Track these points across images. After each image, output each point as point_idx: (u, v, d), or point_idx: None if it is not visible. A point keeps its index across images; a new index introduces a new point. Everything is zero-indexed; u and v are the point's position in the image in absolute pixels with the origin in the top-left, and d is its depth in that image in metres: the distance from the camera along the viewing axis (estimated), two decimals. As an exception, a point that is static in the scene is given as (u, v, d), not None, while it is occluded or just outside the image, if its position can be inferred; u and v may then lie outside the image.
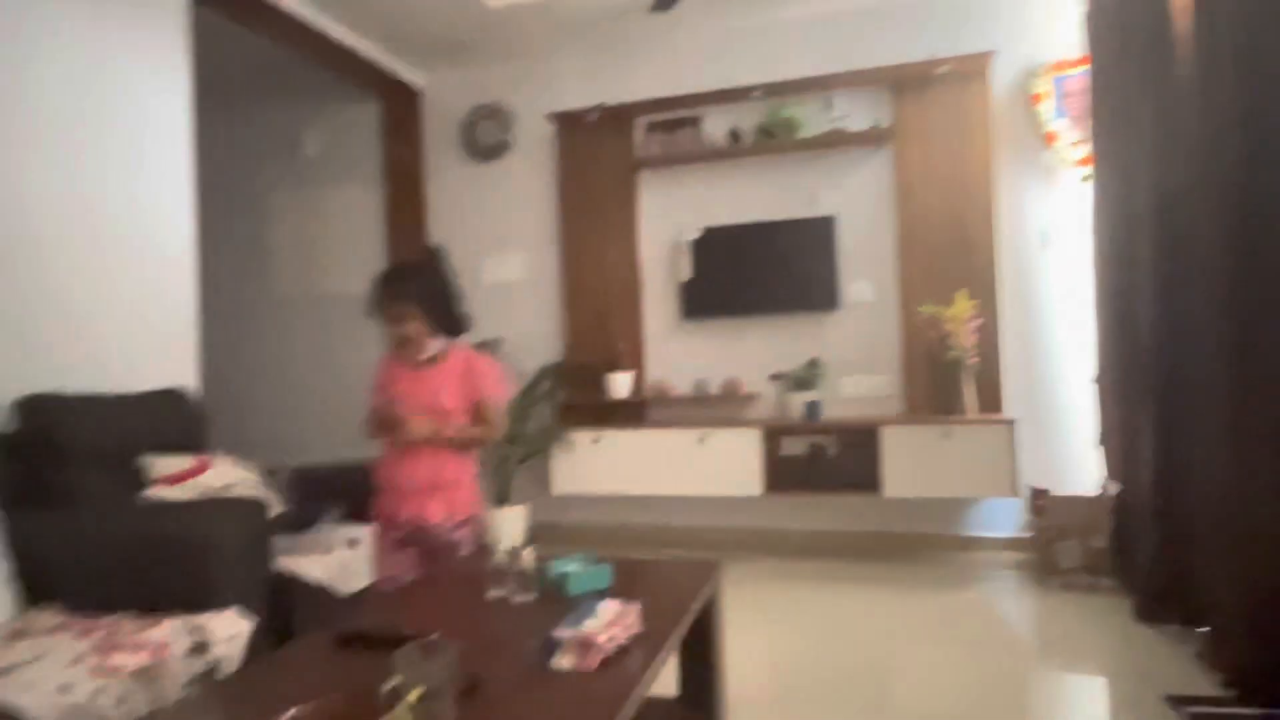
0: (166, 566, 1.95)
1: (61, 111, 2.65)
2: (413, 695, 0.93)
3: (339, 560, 2.35)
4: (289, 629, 2.07)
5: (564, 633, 1.36)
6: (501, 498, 4.37)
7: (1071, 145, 3.73)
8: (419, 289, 2.12)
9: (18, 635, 1.71)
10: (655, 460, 4.03)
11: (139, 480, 2.44)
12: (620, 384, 4.22)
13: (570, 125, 4.46)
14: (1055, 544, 3.32)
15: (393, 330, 2.11)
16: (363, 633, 1.48)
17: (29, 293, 2.49)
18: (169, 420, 2.68)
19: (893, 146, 3.99)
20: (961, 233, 3.87)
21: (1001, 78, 3.87)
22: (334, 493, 2.74)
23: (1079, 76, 3.66)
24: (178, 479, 2.48)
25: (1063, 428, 3.78)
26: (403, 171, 4.78)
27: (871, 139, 3.99)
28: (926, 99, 3.93)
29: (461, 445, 2.17)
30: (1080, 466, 3.65)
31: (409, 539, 2.14)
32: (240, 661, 1.80)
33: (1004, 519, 3.86)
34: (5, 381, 2.34)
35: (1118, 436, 3.20)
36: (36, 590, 1.95)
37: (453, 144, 4.77)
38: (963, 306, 3.69)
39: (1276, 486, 1.98)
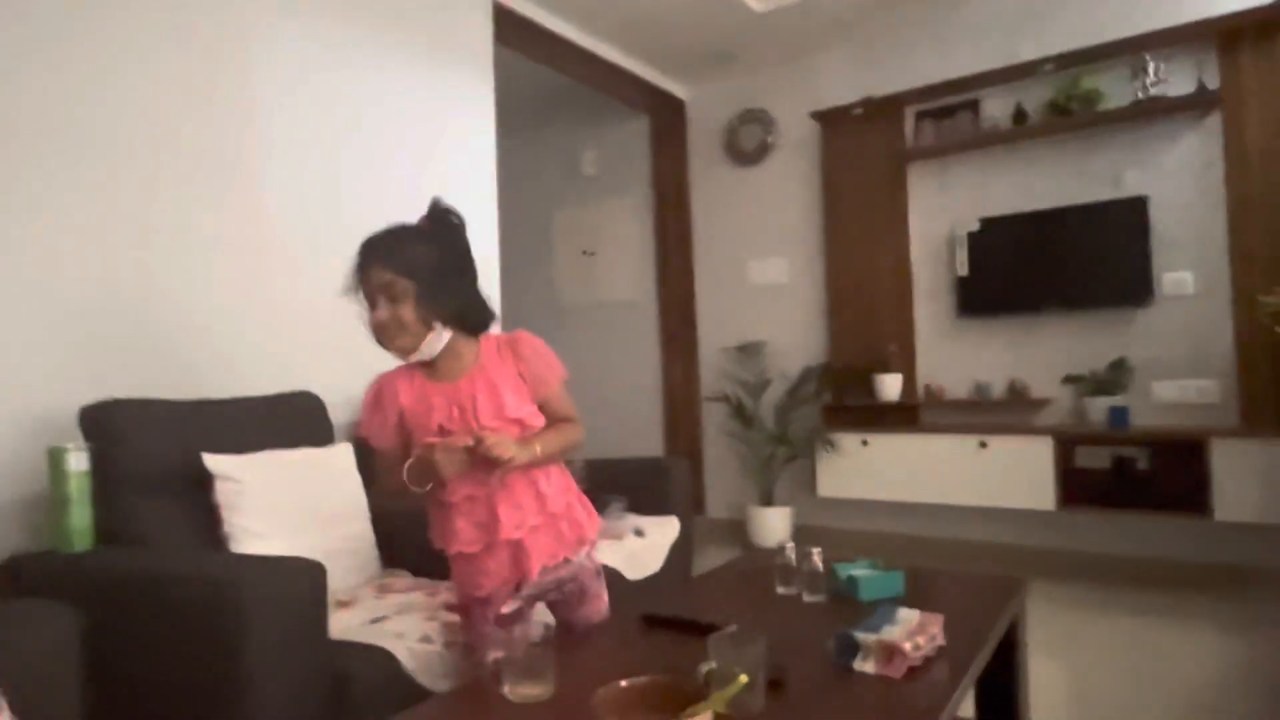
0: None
1: (399, 144, 3.11)
2: (741, 680, 0.98)
3: (629, 548, 2.52)
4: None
5: (865, 636, 1.35)
6: (765, 498, 4.41)
7: None
8: (415, 258, 1.49)
9: (383, 590, 2.05)
10: (929, 466, 3.82)
11: (461, 466, 2.80)
12: (890, 386, 4.06)
13: (834, 122, 4.38)
14: None
15: (372, 315, 1.49)
16: (667, 616, 1.58)
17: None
18: (482, 414, 3.05)
19: (1221, 113, 3.42)
20: (1321, 208, 3.22)
21: (1381, 15, 3.16)
22: (620, 486, 2.93)
23: None
24: (490, 466, 2.81)
25: None
26: (670, 181, 5.00)
27: (1194, 105, 3.45)
28: (1268, 52, 3.32)
29: (559, 458, 1.67)
30: None
31: (549, 597, 1.67)
32: (553, 632, 1.99)
33: (1386, 556, 3.15)
34: (347, 383, 2.81)
35: None
36: (387, 556, 2.31)
37: (716, 151, 4.90)
38: (1324, 296, 3.07)
39: None
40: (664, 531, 2.74)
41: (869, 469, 3.99)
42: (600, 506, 2.85)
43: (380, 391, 1.58)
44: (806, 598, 1.72)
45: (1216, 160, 3.46)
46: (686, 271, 4.97)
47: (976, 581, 1.86)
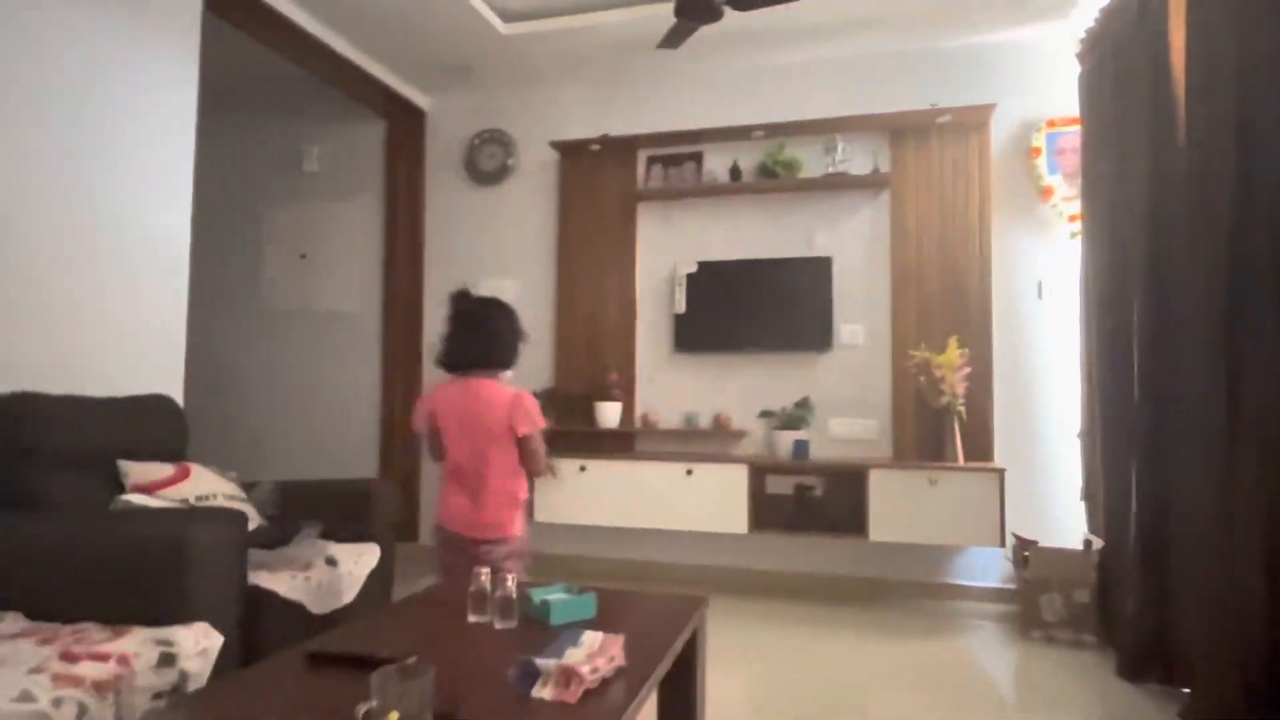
0: (135, 575, 1.89)
1: (63, 106, 2.63)
2: (391, 717, 0.90)
3: (317, 578, 2.29)
4: (261, 646, 2.01)
5: (545, 662, 1.33)
6: (483, 523, 4.31)
7: (1064, 201, 3.79)
8: None
9: (-22, 640, 1.65)
10: (641, 493, 3.99)
11: (116, 486, 2.39)
12: (609, 414, 4.20)
13: (573, 154, 4.50)
14: (1039, 596, 3.30)
15: None
16: (335, 653, 1.44)
17: (13, 289, 2.46)
18: (151, 427, 2.63)
19: (890, 192, 4.04)
20: (956, 280, 3.91)
21: (1001, 130, 3.93)
22: (317, 510, 2.69)
23: (1072, 135, 3.73)
24: (155, 486, 2.43)
25: (1051, 479, 3.78)
26: (404, 191, 4.79)
27: (870, 184, 4.04)
28: (926, 147, 3.99)
29: None
30: (1067, 519, 3.64)
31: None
32: (208, 678, 1.74)
33: (988, 569, 3.84)
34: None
35: (1103, 491, 3.20)
36: None
37: (454, 167, 4.79)
38: (953, 353, 3.71)
39: (1262, 545, 1.98)
40: (361, 560, 2.55)
41: (586, 494, 4.07)
42: (290, 532, 2.60)
43: None
44: (498, 624, 1.68)
45: (884, 233, 4.07)
46: (416, 286, 4.77)
47: (662, 602, 1.94)
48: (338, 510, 2.70)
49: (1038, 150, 3.86)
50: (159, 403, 2.73)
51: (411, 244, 4.77)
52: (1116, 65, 3.03)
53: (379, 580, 2.64)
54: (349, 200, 4.88)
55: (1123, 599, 2.89)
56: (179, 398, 3.03)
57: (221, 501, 2.47)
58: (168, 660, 1.61)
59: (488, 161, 4.71)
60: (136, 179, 2.93)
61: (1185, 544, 2.46)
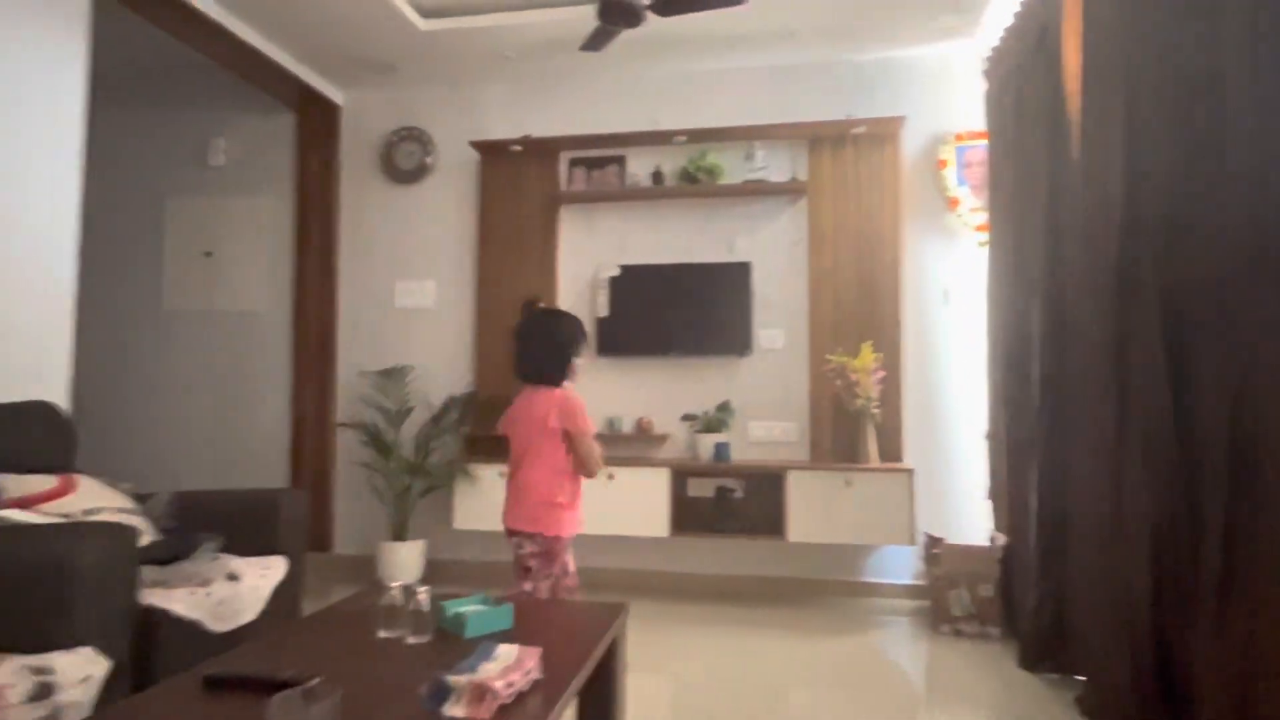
0: (10, 597, 1.75)
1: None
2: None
3: (217, 595, 2.17)
4: (155, 670, 1.89)
5: (458, 678, 1.29)
6: (399, 532, 4.20)
7: (971, 211, 3.95)
8: None
9: None
10: (562, 497, 3.94)
11: (-11, 501, 2.21)
12: (530, 418, 4.14)
13: (494, 154, 4.42)
14: (947, 592, 3.42)
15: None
16: (234, 675, 1.36)
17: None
18: (32, 436, 2.45)
19: (807, 199, 4.13)
20: (869, 286, 4.02)
21: (911, 142, 4.07)
22: (219, 522, 2.55)
23: (979, 149, 3.90)
24: (35, 501, 2.26)
25: (958, 478, 3.92)
26: (316, 187, 4.62)
27: (788, 190, 4.12)
28: (841, 156, 4.09)
29: None
30: (973, 517, 3.79)
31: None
32: (92, 708, 1.62)
33: (900, 566, 3.96)
34: None
35: (1006, 490, 3.35)
36: None
37: (370, 164, 4.65)
38: (867, 357, 3.81)
39: (1148, 542, 2.10)
40: (266, 574, 2.43)
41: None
42: (188, 547, 2.45)
43: None
44: (411, 639, 1.62)
45: (803, 239, 4.15)
46: (328, 286, 4.60)
47: (581, 609, 1.93)
48: (242, 521, 2.57)
49: (945, 162, 4.01)
50: (40, 410, 2.54)
51: (324, 242, 4.61)
52: (1018, 83, 3.18)
53: (286, 595, 2.52)
54: (257, 196, 4.67)
55: (1024, 593, 3.02)
56: (64, 404, 2.83)
57: (110, 515, 2.32)
58: (43, 691, 1.49)
59: (405, 160, 4.59)
60: (15, 167, 2.72)
61: (1080, 541, 2.59)
